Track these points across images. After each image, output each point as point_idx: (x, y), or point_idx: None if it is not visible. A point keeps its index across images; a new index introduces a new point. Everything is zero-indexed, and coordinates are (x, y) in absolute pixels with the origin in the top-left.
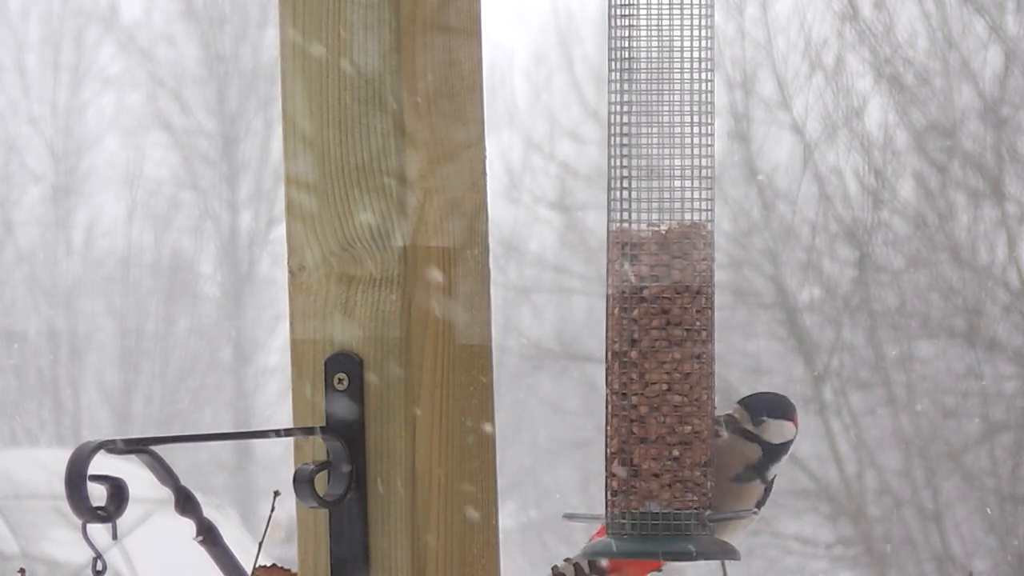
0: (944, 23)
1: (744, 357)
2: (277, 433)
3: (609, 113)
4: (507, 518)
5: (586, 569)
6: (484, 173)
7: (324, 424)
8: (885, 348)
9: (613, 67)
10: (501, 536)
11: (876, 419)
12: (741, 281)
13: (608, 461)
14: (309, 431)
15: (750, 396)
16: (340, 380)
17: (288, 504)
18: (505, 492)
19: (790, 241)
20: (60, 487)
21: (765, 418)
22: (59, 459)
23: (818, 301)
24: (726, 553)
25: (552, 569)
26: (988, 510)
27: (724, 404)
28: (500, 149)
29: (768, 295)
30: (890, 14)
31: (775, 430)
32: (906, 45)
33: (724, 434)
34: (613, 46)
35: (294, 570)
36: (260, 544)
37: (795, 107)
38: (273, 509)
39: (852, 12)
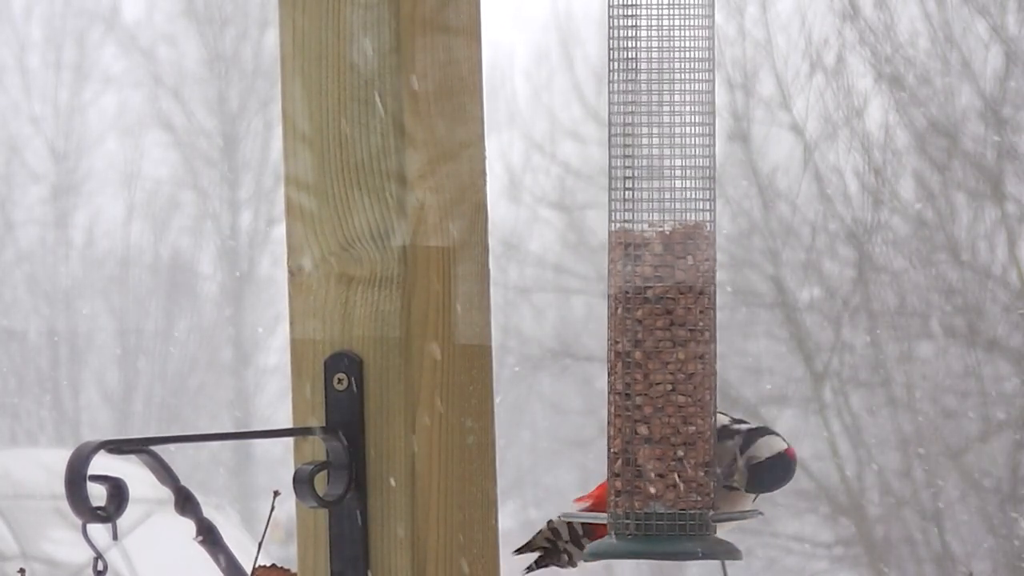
0: (945, 23)
1: (744, 357)
2: (277, 433)
3: (609, 113)
4: (507, 518)
5: (580, 531)
6: (484, 173)
7: (324, 424)
8: (885, 348)
9: (613, 67)
10: (501, 536)
11: (876, 419)
12: (741, 281)
13: (611, 461)
14: (309, 431)
15: (764, 463)
16: (340, 380)
17: (288, 504)
18: (505, 492)
19: (790, 241)
20: (60, 487)
21: (760, 495)
22: (59, 459)
23: (818, 301)
24: (730, 553)
25: (547, 523)
26: (988, 510)
27: (723, 404)
28: (500, 149)
29: (768, 295)
30: (891, 14)
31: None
32: (907, 45)
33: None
34: (613, 46)
35: (294, 570)
36: (260, 544)
37: (795, 107)
38: (273, 509)
39: (852, 12)
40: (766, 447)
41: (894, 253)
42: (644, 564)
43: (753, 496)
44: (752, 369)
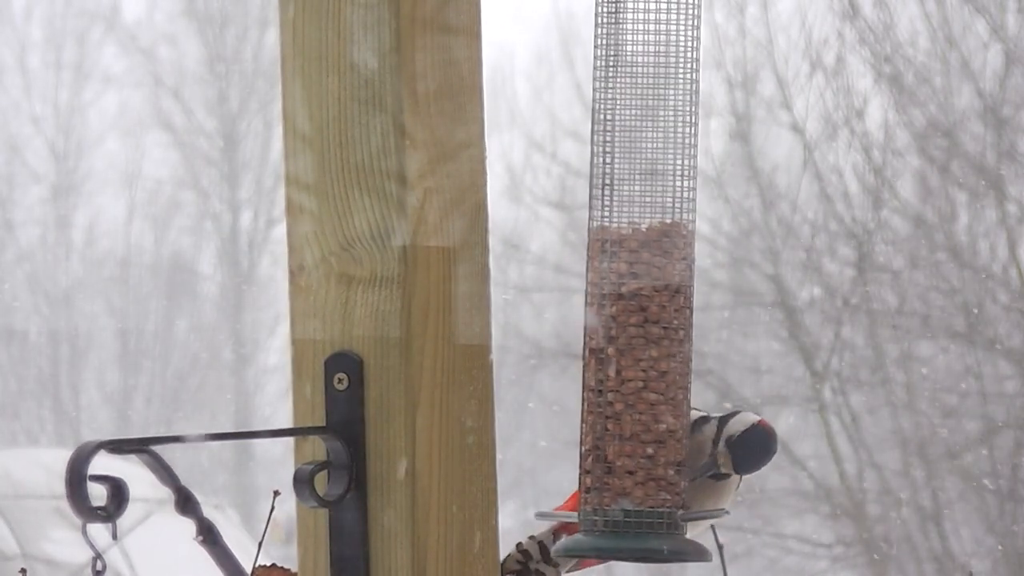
0: (945, 23)
1: (744, 357)
2: (277, 433)
3: (593, 111)
4: (507, 518)
5: (551, 548)
6: (484, 173)
7: (324, 424)
8: (885, 348)
9: (598, 65)
10: (501, 536)
11: (876, 419)
12: (741, 281)
13: (582, 458)
14: (309, 431)
15: (740, 436)
16: (340, 380)
17: (288, 504)
18: (505, 492)
19: (790, 241)
20: (60, 487)
21: (745, 475)
22: (59, 459)
23: (818, 301)
24: (699, 554)
25: (516, 546)
26: (988, 510)
27: (724, 404)
28: (501, 149)
29: (768, 295)
30: (890, 14)
31: (752, 473)
32: (906, 45)
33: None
34: (598, 44)
35: (294, 570)
36: (260, 544)
37: (796, 107)
38: (273, 509)
39: (852, 12)
40: (739, 423)
41: (894, 253)
42: (644, 564)
43: (738, 481)
44: (752, 369)
